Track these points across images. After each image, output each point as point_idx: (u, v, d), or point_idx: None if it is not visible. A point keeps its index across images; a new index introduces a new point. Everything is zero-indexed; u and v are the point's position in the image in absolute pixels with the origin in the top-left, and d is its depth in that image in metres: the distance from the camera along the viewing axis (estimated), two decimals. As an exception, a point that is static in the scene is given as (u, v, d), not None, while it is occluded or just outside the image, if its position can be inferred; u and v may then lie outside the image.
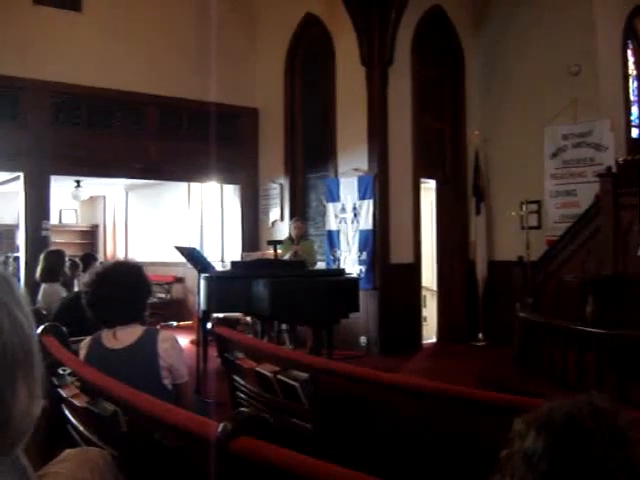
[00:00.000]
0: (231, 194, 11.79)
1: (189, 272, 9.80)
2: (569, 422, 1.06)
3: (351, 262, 9.56)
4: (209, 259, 7.92)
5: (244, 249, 10.93)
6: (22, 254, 9.37)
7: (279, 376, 3.05)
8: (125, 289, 2.97)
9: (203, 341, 6.98)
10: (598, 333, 5.63)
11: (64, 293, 6.37)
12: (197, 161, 10.44)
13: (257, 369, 3.26)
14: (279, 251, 8.42)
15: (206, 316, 7.08)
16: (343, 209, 9.79)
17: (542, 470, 1.04)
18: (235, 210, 11.60)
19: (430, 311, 10.68)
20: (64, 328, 3.42)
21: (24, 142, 9.05)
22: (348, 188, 9.69)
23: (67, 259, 7.32)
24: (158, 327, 3.83)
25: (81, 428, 2.48)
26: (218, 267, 9.63)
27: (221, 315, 7.29)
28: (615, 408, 1.09)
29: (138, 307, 3.07)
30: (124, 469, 1.91)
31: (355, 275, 8.71)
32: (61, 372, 2.85)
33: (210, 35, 9.69)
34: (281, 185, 10.91)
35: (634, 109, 10.12)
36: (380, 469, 2.60)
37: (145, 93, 10.03)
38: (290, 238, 9.09)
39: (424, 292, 10.32)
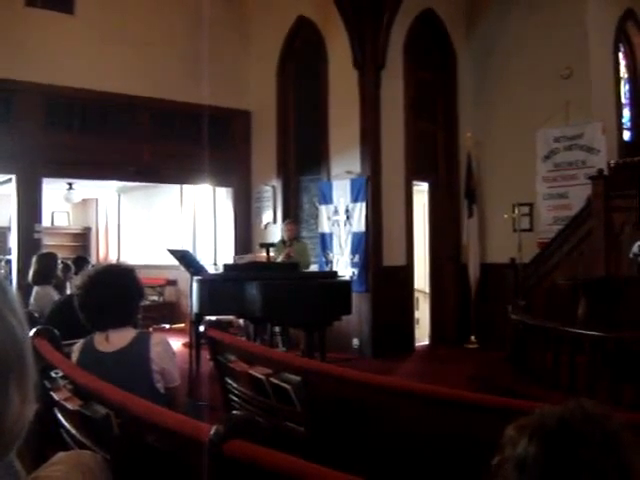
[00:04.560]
0: (224, 196, 11.79)
1: (181, 275, 9.77)
2: (561, 427, 1.05)
3: (344, 264, 9.57)
4: (202, 262, 7.91)
5: (237, 252, 10.92)
6: (14, 257, 9.34)
7: (272, 379, 3.05)
8: (117, 292, 2.96)
9: (196, 344, 6.97)
10: (590, 335, 5.65)
11: (56, 296, 6.34)
12: (190, 163, 10.42)
13: (250, 372, 3.25)
14: (272, 254, 8.42)
15: (199, 319, 7.05)
16: (336, 211, 9.79)
17: (534, 477, 1.03)
18: (228, 213, 11.59)
19: (422, 313, 10.68)
20: (56, 331, 3.41)
21: (16, 144, 9.01)
22: (341, 191, 9.70)
23: (59, 262, 7.30)
24: (150, 330, 3.82)
25: (73, 431, 2.47)
26: (211, 270, 9.62)
27: (214, 318, 7.27)
28: (607, 412, 1.08)
29: (130, 310, 3.06)
30: (116, 472, 1.91)
31: (347, 277, 8.71)
32: (53, 375, 2.84)
33: (203, 38, 9.67)
34: (274, 187, 10.91)
35: (625, 112, 10.17)
36: (373, 472, 2.60)
37: (138, 96, 10.00)
38: (283, 241, 9.11)
39: (416, 294, 10.33)
